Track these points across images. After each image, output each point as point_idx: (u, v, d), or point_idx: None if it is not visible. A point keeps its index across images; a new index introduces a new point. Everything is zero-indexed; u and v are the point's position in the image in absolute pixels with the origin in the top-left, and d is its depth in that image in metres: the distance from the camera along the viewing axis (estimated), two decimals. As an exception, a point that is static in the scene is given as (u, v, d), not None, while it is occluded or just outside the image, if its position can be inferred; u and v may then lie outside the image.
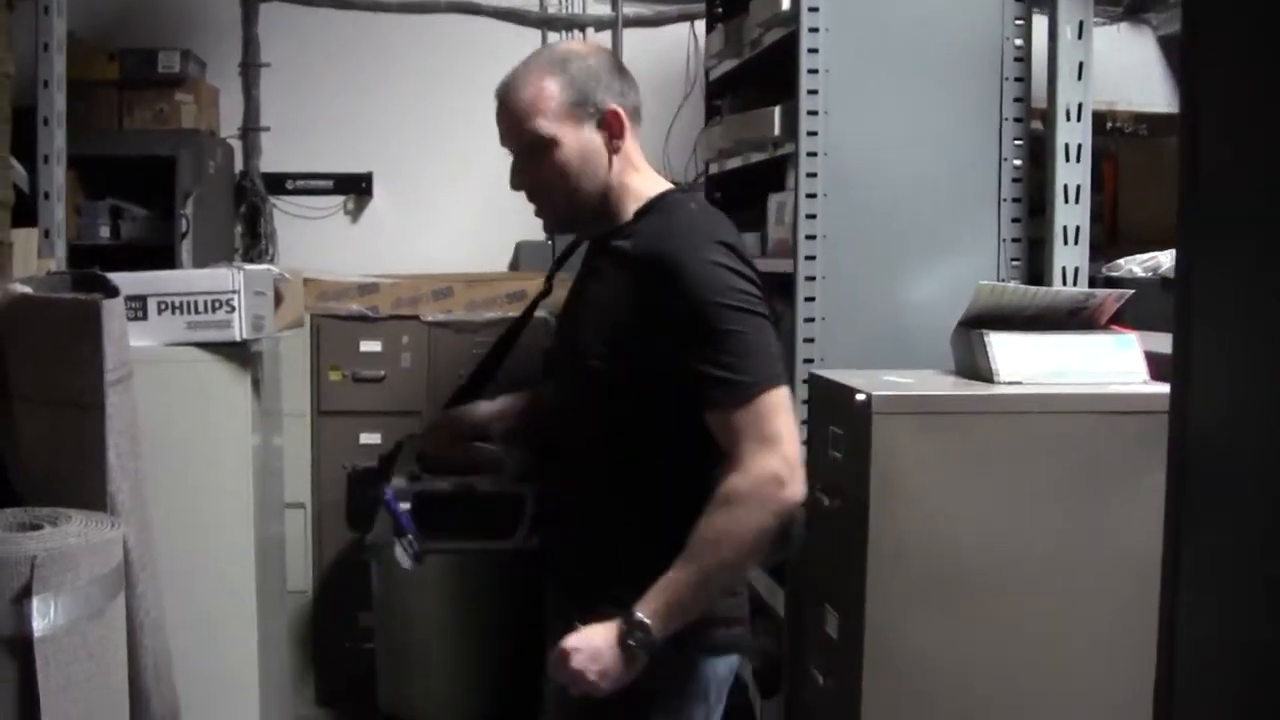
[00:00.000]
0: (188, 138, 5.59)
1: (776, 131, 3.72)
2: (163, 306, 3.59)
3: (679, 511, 2.23)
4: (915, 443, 2.85)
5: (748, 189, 4.23)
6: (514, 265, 6.25)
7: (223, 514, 3.58)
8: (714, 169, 4.60)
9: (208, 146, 5.78)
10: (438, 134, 6.42)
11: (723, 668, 2.43)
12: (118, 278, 3.59)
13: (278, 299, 3.76)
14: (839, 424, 3.04)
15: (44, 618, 2.41)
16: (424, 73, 6.42)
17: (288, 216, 6.45)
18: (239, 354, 3.58)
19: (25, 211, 3.79)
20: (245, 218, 6.39)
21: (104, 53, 5.74)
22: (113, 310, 2.85)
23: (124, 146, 5.50)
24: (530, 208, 2.50)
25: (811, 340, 3.54)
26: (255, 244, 6.36)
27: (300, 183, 6.41)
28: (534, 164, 2.37)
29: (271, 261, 6.34)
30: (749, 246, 3.85)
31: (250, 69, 6.37)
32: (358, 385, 5.56)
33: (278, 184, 6.41)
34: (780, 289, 3.61)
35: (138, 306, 3.59)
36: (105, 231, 5.68)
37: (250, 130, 6.39)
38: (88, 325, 2.76)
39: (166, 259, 5.40)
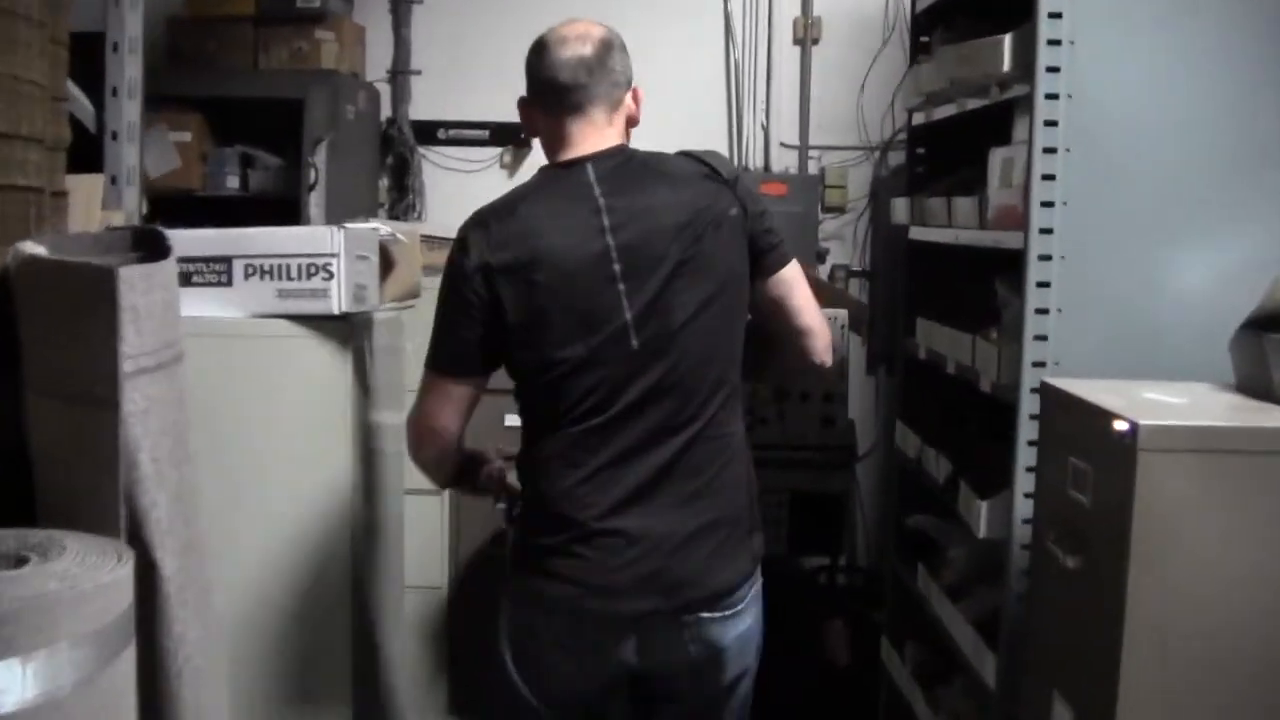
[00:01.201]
0: (321, 78, 4.98)
1: (1006, 67, 2.92)
2: (250, 270, 2.98)
3: None
4: (1195, 490, 2.07)
5: (961, 144, 3.49)
6: None
7: (318, 503, 2.95)
8: (919, 119, 3.81)
9: (346, 89, 5.16)
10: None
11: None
12: (199, 235, 3.01)
13: (387, 263, 3.10)
14: (1083, 455, 2.27)
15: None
16: (594, 7, 5.70)
17: (439, 169, 5.81)
18: (339, 329, 2.94)
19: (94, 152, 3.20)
20: (392, 169, 5.77)
21: (239, -15, 5.19)
22: (141, 279, 2.20)
23: (253, 87, 4.92)
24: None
25: (1043, 338, 2.77)
26: (402, 198, 5.74)
27: (453, 132, 5.77)
28: None
29: (419, 218, 5.74)
30: (962, 214, 3.09)
31: (401, 6, 5.73)
32: None
33: (428, 133, 5.77)
34: (1005, 269, 2.84)
35: (222, 270, 2.98)
36: (234, 181, 5.12)
37: (399, 73, 5.76)
38: (101, 299, 2.12)
39: (296, 213, 4.81)
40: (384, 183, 5.77)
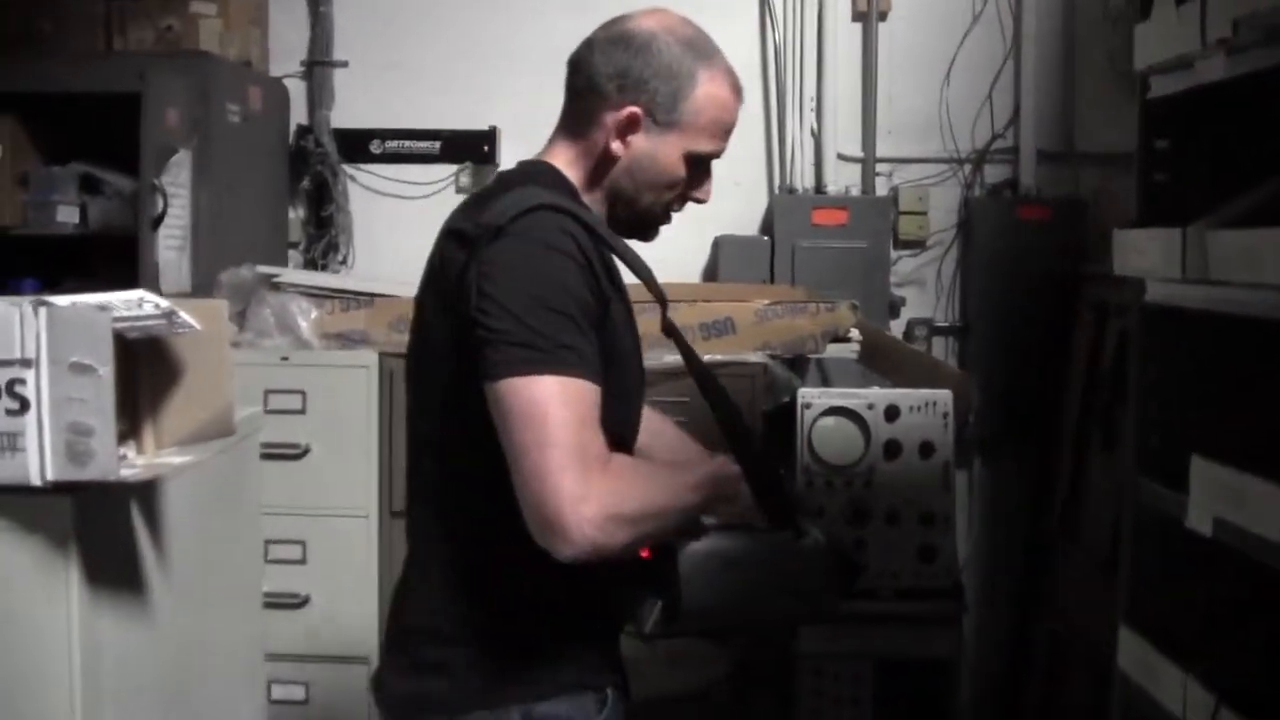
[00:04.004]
0: (173, 63, 3.48)
1: None
2: None
3: None
4: None
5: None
6: (710, 272, 4.25)
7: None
8: (1167, 88, 2.26)
9: (224, 80, 3.67)
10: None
11: None
12: None
13: (166, 371, 1.59)
14: None
15: None
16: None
17: (371, 195, 4.35)
18: (41, 516, 1.44)
19: None
20: (308, 196, 4.29)
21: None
22: None
23: (83, 79, 3.39)
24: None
25: None
26: (321, 236, 4.24)
27: (391, 144, 4.32)
28: None
29: (344, 263, 4.23)
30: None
31: (319, -28, 4.30)
32: None
33: (357, 146, 4.32)
34: None
35: None
36: (69, 213, 3.60)
37: (317, 65, 4.29)
38: None
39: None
40: (295, 213, 4.25)
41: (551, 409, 1.67)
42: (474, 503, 1.84)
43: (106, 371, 1.46)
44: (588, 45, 1.99)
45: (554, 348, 1.70)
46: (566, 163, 1.98)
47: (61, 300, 1.48)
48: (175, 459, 1.71)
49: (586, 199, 1.95)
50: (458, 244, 1.83)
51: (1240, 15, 1.85)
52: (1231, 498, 1.88)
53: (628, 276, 1.90)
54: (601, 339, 1.78)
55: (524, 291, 1.72)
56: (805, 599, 1.93)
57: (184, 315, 1.61)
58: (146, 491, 1.68)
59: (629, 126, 1.92)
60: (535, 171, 1.97)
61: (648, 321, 1.98)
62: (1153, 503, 2.23)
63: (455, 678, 1.86)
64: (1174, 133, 2.29)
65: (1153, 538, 2.29)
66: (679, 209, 2.03)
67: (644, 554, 1.82)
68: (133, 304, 1.57)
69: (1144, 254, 2.18)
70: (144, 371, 1.67)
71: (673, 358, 1.96)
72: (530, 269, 1.74)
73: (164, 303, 1.61)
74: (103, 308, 1.49)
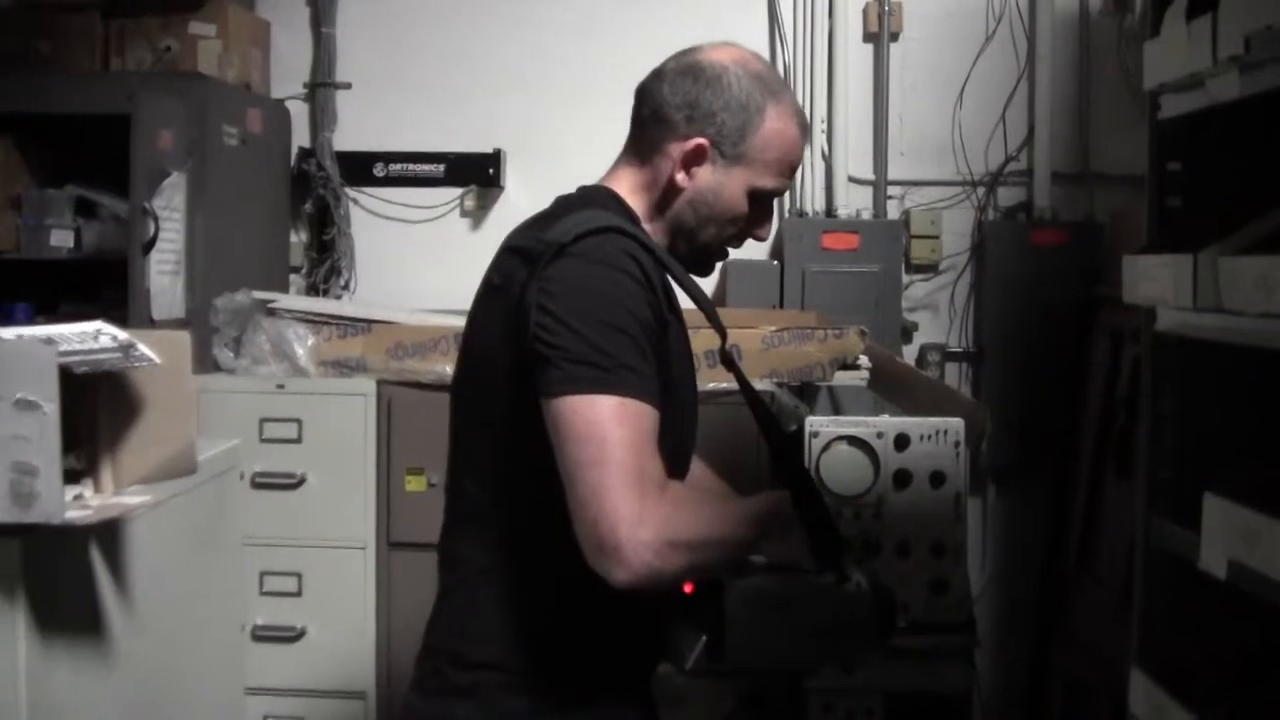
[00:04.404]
0: (168, 84, 3.43)
1: None
2: None
3: None
4: None
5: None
6: (718, 297, 4.13)
7: None
8: (1178, 108, 2.16)
9: (222, 102, 3.61)
10: (602, 94, 4.13)
11: None
12: None
13: (124, 406, 1.51)
14: None
15: None
16: (577, 5, 4.21)
17: (374, 219, 4.27)
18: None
19: None
20: (310, 220, 4.21)
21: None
22: None
23: (74, 100, 3.32)
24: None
25: None
26: (323, 260, 4.17)
27: (395, 168, 4.24)
28: None
29: (347, 288, 4.16)
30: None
31: (324, -4, 4.23)
32: None
33: (360, 169, 4.24)
34: None
35: None
36: (63, 237, 3.53)
37: (321, 87, 4.22)
38: None
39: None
40: (298, 237, 4.19)
41: (611, 429, 1.65)
42: (523, 526, 1.81)
43: (52, 408, 1.38)
44: (656, 75, 1.98)
45: (615, 367, 1.68)
46: (629, 190, 1.96)
47: (7, 333, 1.41)
48: (134, 499, 1.63)
49: (648, 228, 1.93)
50: (520, 260, 1.82)
51: (1253, 30, 1.74)
52: (1246, 539, 1.77)
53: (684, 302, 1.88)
54: (660, 363, 1.76)
55: (586, 309, 1.70)
56: (844, 645, 1.87)
57: (142, 348, 1.53)
58: (104, 532, 1.60)
59: (695, 158, 1.91)
60: (597, 196, 1.96)
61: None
62: (1165, 542, 2.12)
63: (484, 702, 1.83)
64: (1186, 154, 2.18)
65: (1166, 577, 2.17)
66: (738, 245, 2.01)
67: (686, 588, 1.77)
68: (88, 336, 1.50)
69: (1154, 281, 2.07)
70: (103, 407, 1.59)
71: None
72: (593, 288, 1.72)
73: (122, 335, 1.53)
74: (49, 341, 1.41)
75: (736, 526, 1.80)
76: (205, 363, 3.48)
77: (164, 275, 3.27)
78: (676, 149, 1.91)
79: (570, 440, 1.66)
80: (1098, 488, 3.66)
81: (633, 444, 1.65)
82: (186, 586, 2.02)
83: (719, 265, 4.02)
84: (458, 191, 4.24)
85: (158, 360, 1.56)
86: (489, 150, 4.17)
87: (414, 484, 3.43)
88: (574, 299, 1.71)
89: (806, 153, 4.08)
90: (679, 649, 1.80)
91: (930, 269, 4.15)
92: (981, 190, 4.11)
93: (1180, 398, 2.18)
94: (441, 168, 4.22)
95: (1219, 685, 2.03)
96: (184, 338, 1.69)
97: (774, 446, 1.95)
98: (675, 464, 1.86)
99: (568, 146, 4.16)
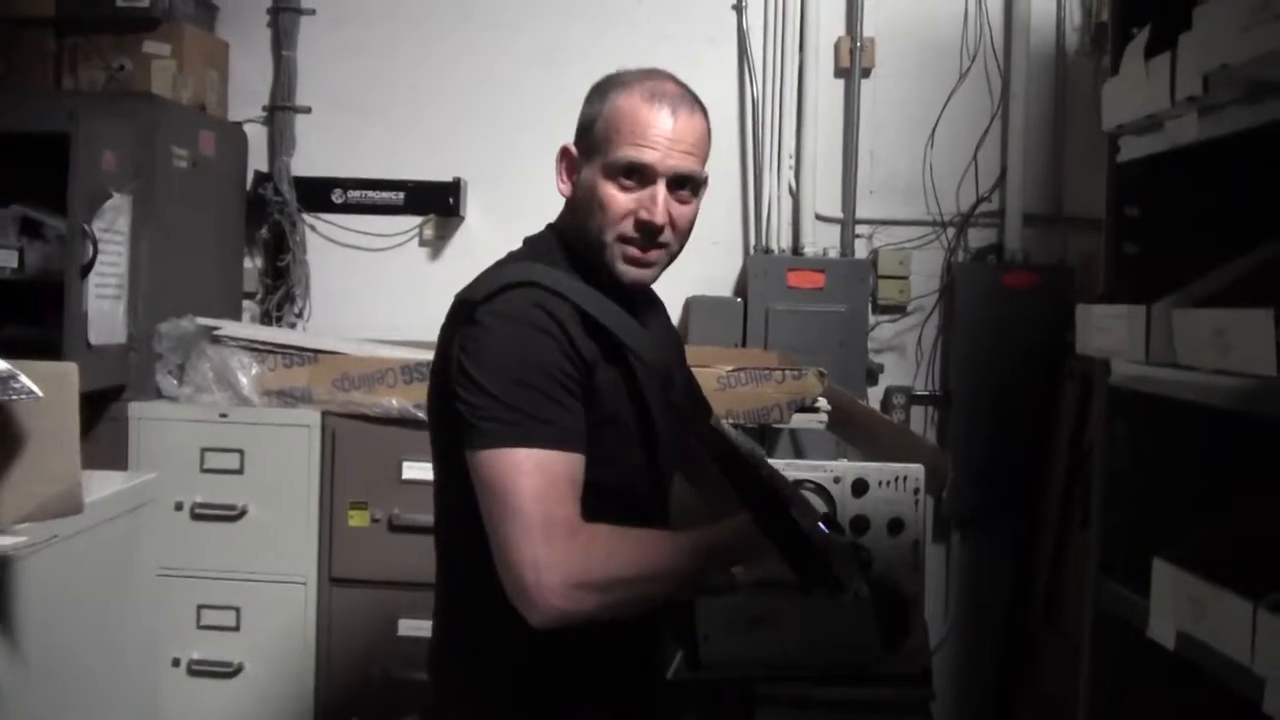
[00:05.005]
0: (109, 105, 3.33)
1: None
2: None
3: None
4: None
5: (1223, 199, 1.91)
6: (681, 334, 3.88)
7: None
8: (1138, 150, 2.06)
9: (173, 124, 3.52)
10: (567, 124, 4.05)
11: None
12: None
13: (9, 438, 1.41)
14: None
15: None
16: (541, 35, 4.12)
17: (331, 246, 4.17)
18: None
19: None
20: (266, 246, 4.10)
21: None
22: None
23: (9, 118, 3.21)
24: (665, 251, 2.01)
25: None
26: (278, 286, 4.06)
27: (353, 194, 4.13)
28: (690, 203, 2.01)
29: (301, 315, 4.06)
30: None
31: (284, 16, 4.12)
32: (397, 536, 3.34)
33: (318, 195, 4.13)
34: None
35: None
36: (7, 258, 3.41)
37: (280, 110, 4.12)
38: None
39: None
40: (253, 264, 4.09)
41: (515, 480, 1.73)
42: (468, 556, 1.86)
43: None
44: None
45: (521, 420, 1.75)
46: (565, 224, 2.03)
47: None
48: (10, 539, 1.52)
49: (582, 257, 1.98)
50: (450, 315, 1.94)
51: (1210, 69, 1.64)
52: (1195, 609, 1.66)
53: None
54: (590, 403, 1.84)
55: (495, 368, 1.79)
56: (847, 652, 2.04)
57: (24, 380, 1.43)
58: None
59: (566, 165, 2.01)
60: (536, 242, 2.05)
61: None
62: (1115, 606, 2.01)
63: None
64: (1146, 199, 2.09)
65: (1118, 639, 2.06)
66: (640, 240, 1.95)
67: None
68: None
69: (1107, 332, 1.97)
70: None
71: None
72: (500, 346, 1.81)
73: (2, 365, 1.43)
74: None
75: (671, 559, 1.82)
76: (148, 389, 3.38)
77: (104, 299, 3.16)
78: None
79: (484, 493, 1.77)
80: (1064, 538, 3.56)
81: (537, 493, 1.73)
82: (90, 626, 1.92)
83: (683, 301, 3.93)
84: (417, 220, 4.13)
85: (39, 393, 1.46)
86: (449, 179, 4.06)
87: (357, 519, 3.32)
88: (482, 358, 1.80)
89: (773, 187, 4.03)
90: (665, 660, 1.97)
91: (898, 310, 4.05)
92: (952, 231, 4.02)
93: (1134, 453, 2.07)
94: (401, 195, 4.11)
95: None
96: (71, 370, 1.59)
97: (725, 470, 2.01)
98: (627, 496, 1.94)
99: (530, 176, 3.99)
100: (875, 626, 1.91)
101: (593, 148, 1.95)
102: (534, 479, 1.73)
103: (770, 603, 1.92)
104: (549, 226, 2.07)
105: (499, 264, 1.99)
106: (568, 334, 1.83)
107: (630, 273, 1.96)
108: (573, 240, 1.99)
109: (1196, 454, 2.02)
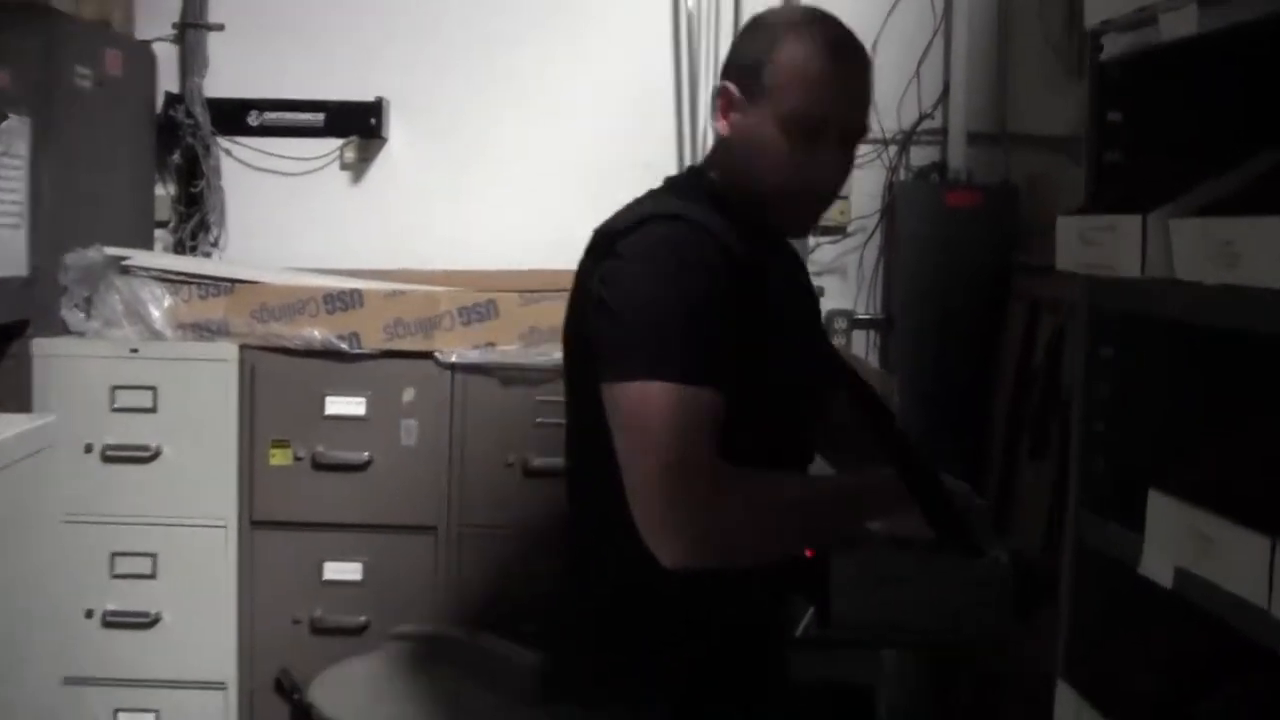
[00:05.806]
0: (13, 19, 3.12)
1: None
2: None
3: None
4: None
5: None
6: None
7: None
8: (1121, 47, 1.92)
9: (72, 41, 3.31)
10: (499, 42, 3.89)
11: None
12: None
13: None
14: None
15: None
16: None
17: (248, 171, 3.98)
18: None
19: None
20: (178, 172, 3.91)
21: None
22: None
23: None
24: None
25: None
26: (191, 214, 3.88)
27: (270, 116, 3.94)
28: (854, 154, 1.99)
29: (216, 245, 3.89)
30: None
31: (193, -73, 3.91)
32: (321, 475, 3.25)
33: (233, 118, 3.93)
34: None
35: None
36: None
37: (191, 27, 3.92)
38: None
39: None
40: (165, 190, 3.90)
41: (654, 416, 1.69)
42: (601, 494, 1.82)
43: None
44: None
45: (661, 353, 1.71)
46: (719, 164, 1.98)
47: None
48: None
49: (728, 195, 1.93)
50: (589, 249, 1.90)
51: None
52: (1197, 544, 1.55)
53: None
54: (749, 329, 1.79)
55: (636, 301, 1.75)
56: (972, 621, 1.89)
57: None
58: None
59: (725, 103, 1.92)
60: (675, 179, 2.04)
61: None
62: (1101, 543, 1.91)
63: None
64: (1130, 103, 1.96)
65: (1097, 580, 1.96)
66: (815, 204, 1.95)
67: (808, 553, 1.84)
68: None
69: (1095, 246, 1.84)
70: None
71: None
72: (642, 278, 1.77)
73: None
74: None
75: (816, 508, 1.82)
76: (53, 325, 3.21)
77: (3, 228, 2.98)
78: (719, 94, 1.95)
79: (619, 428, 1.73)
80: (1011, 467, 3.47)
81: (675, 430, 1.68)
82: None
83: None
84: (337, 143, 3.94)
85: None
86: (371, 99, 3.88)
87: (279, 457, 3.20)
88: (622, 290, 1.76)
89: (707, 103, 3.89)
90: (793, 617, 1.94)
91: (838, 231, 3.93)
92: (893, 149, 3.91)
93: (1119, 380, 1.96)
94: (321, 117, 3.91)
95: (1156, 701, 1.83)
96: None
97: (873, 426, 1.98)
98: (774, 438, 1.89)
99: (456, 97, 3.91)
100: (1010, 595, 1.83)
101: (761, 93, 1.86)
102: (672, 416, 1.69)
103: (902, 562, 1.87)
104: (691, 169, 2.07)
105: (639, 199, 1.95)
106: (711, 269, 1.77)
107: (796, 228, 1.99)
108: (726, 185, 1.94)
109: (1190, 381, 1.91)
